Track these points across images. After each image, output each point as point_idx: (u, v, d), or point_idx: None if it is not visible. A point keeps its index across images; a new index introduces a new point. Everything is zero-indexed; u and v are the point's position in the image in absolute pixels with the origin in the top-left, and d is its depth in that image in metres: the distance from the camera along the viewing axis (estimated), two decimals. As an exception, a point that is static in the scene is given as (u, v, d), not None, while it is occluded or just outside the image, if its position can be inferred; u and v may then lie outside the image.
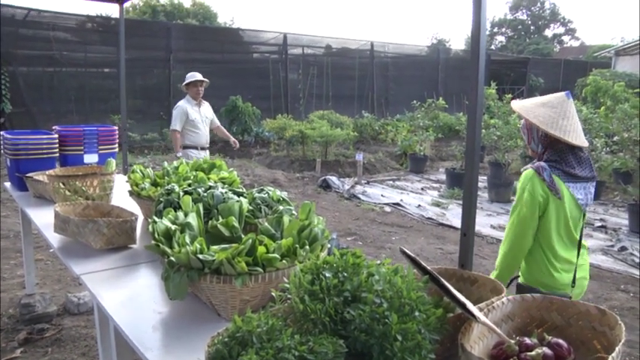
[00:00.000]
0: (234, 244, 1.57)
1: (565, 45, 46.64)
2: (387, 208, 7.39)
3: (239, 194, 2.30)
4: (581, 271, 2.22)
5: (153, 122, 12.50)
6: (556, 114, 2.14)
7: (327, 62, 15.44)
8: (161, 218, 1.78)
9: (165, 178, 2.63)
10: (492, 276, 2.24)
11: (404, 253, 1.33)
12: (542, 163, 2.14)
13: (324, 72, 15.27)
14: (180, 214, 1.82)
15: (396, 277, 1.15)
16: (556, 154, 2.14)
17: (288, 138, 11.00)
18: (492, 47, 45.57)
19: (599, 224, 6.70)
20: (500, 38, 47.36)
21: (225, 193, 2.19)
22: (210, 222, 1.83)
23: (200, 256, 1.50)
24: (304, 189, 8.53)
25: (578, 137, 2.09)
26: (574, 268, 2.17)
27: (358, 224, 6.46)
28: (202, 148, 5.29)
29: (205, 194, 2.15)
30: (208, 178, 2.53)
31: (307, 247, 1.62)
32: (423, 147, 10.93)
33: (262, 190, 2.39)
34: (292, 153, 11.28)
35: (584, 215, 2.24)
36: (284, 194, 2.42)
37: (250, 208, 2.16)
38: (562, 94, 2.19)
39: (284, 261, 1.55)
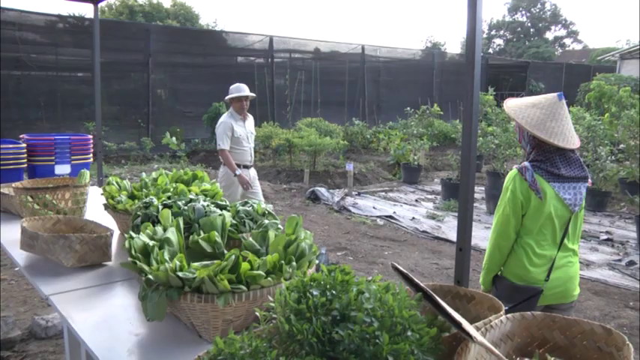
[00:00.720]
0: (216, 261, 1.57)
1: (567, 48, 47.38)
2: (380, 221, 7.41)
3: (222, 207, 2.30)
4: (561, 272, 2.33)
5: (130, 130, 12.46)
6: (544, 115, 2.25)
7: (316, 67, 15.55)
8: (138, 233, 1.78)
9: (143, 190, 2.63)
10: (480, 277, 2.49)
11: (396, 269, 1.35)
12: (526, 163, 2.31)
13: (313, 77, 15.38)
14: (159, 228, 1.83)
15: (388, 294, 1.16)
16: (543, 154, 2.29)
17: (275, 147, 11.01)
18: (490, 51, 46.17)
19: (605, 237, 6.73)
20: (499, 41, 48.01)
21: (207, 206, 2.19)
22: (190, 237, 1.83)
23: (180, 274, 1.50)
24: (292, 201, 8.52)
25: (565, 139, 2.22)
26: (550, 267, 2.30)
27: (349, 238, 6.47)
28: (246, 166, 5.17)
29: (186, 207, 2.15)
30: (189, 191, 2.53)
31: (294, 263, 1.63)
32: (417, 156, 11.01)
33: (246, 202, 2.39)
34: (279, 163, 11.29)
35: (576, 215, 2.36)
36: (269, 207, 2.43)
37: (234, 222, 2.17)
38: (554, 95, 2.32)
39: (269, 278, 1.55)
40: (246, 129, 5.20)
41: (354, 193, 9.29)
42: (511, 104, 2.38)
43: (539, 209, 2.27)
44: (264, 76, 14.66)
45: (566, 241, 2.34)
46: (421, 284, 1.26)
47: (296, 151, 10.99)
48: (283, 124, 13.53)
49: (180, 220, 1.90)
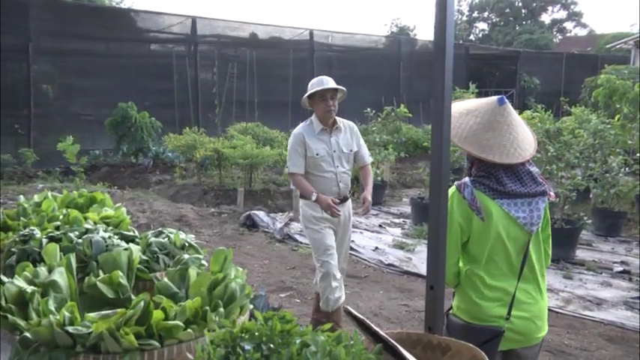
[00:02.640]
0: (119, 310, 1.55)
1: (568, 34, 49.23)
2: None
3: (129, 239, 2.30)
4: (526, 311, 2.39)
5: (3, 139, 12.00)
6: (479, 125, 2.36)
7: (252, 57, 15.61)
8: (12, 277, 1.73)
9: (22, 219, 2.57)
10: None
11: (349, 314, 1.36)
12: (466, 179, 2.42)
13: (248, 70, 15.41)
14: (43, 269, 1.78)
15: (339, 347, 1.18)
16: (484, 169, 2.39)
17: (200, 160, 10.90)
18: (471, 37, 47.61)
19: (620, 269, 6.83)
20: (482, 25, 49.62)
21: (109, 238, 2.19)
22: (86, 279, 1.81)
23: (70, 329, 1.47)
24: (221, 229, 8.45)
25: (504, 153, 2.32)
26: (510, 302, 2.35)
27: (295, 275, 6.47)
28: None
29: (80, 241, 2.13)
30: (85, 218, 2.51)
31: (221, 309, 1.63)
32: (381, 170, 11.18)
33: (161, 232, 2.38)
34: (205, 180, 11.17)
35: (537, 238, 2.44)
36: (191, 237, 2.42)
37: (144, 257, 2.17)
38: (493, 99, 2.44)
39: (189, 330, 1.55)
40: (332, 145, 4.50)
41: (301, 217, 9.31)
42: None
43: (484, 232, 2.35)
44: (186, 69, 14.57)
45: (526, 270, 2.39)
46: (381, 332, 1.29)
47: (227, 165, 10.91)
48: (210, 130, 13.43)
49: (72, 258, 1.87)
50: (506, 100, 2.43)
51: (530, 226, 2.37)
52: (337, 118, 4.57)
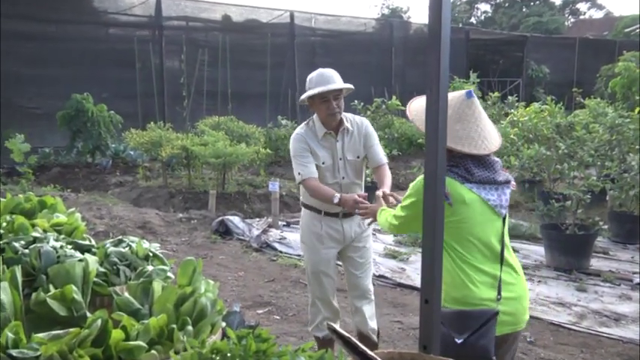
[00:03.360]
0: (73, 329, 1.54)
1: (582, 17, 49.50)
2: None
3: (84, 249, 2.30)
4: (512, 292, 2.73)
5: None
6: (448, 117, 2.51)
7: (225, 43, 15.55)
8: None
9: (-42, 226, 2.54)
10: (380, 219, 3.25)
11: (334, 331, 1.37)
12: None
13: (220, 58, 15.35)
14: (-18, 284, 1.77)
15: (323, 369, 1.18)
16: (452, 159, 2.71)
17: (166, 159, 10.86)
18: (472, 20, 47.84)
19: None
20: (484, 7, 49.86)
21: (61, 248, 2.18)
22: (34, 295, 1.80)
23: (14, 352, 1.47)
24: (191, 237, 8.43)
25: (472, 144, 2.69)
26: (497, 284, 2.69)
27: (274, 289, 6.47)
28: (331, 214, 4.28)
29: (27, 251, 2.13)
30: (33, 226, 2.49)
31: (189, 327, 1.63)
32: (370, 170, 11.19)
33: (121, 241, 2.38)
34: (172, 182, 11.14)
35: (504, 222, 2.80)
36: (156, 247, 2.41)
37: (102, 270, 2.16)
38: (461, 92, 2.79)
39: (153, 351, 1.55)
40: (338, 151, 4.27)
41: (281, 223, 9.31)
42: (414, 106, 2.87)
43: (454, 216, 2.65)
44: (150, 56, 14.51)
45: (506, 254, 2.75)
46: (369, 352, 1.29)
47: (197, 164, 10.89)
48: (178, 125, 13.40)
49: (18, 271, 1.86)
50: (474, 94, 2.78)
51: (500, 208, 2.74)
52: (344, 117, 4.28)
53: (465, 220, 2.65)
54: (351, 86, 4.26)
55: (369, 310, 4.37)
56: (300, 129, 4.34)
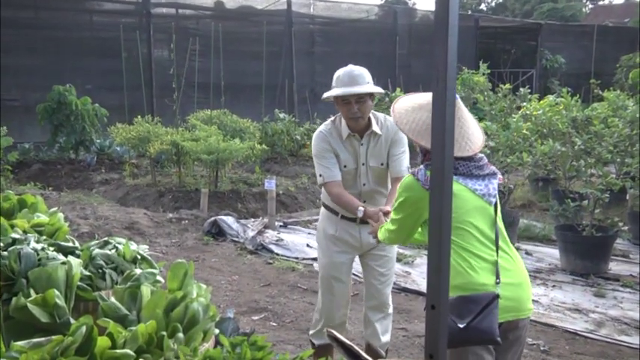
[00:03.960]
0: (55, 337, 1.54)
1: (601, 2, 49.50)
2: (317, 266, 7.46)
3: (67, 251, 2.29)
4: (511, 277, 2.89)
5: None
6: (430, 119, 2.57)
7: (218, 31, 15.55)
8: None
9: None
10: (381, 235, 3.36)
11: (335, 339, 1.37)
12: (421, 166, 2.98)
13: (213, 47, 15.35)
14: (-41, 288, 1.77)
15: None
16: None
17: (155, 155, 10.86)
18: (482, 7, 47.85)
19: None
20: (496, -8, 49.70)
21: (42, 250, 2.17)
22: (13, 300, 1.80)
23: (-6, 360, 1.46)
24: (181, 238, 8.44)
25: (456, 146, 2.71)
26: (495, 269, 2.86)
27: (270, 293, 6.47)
28: (349, 218, 4.21)
29: (5, 253, 2.11)
30: (12, 227, 2.48)
31: (180, 334, 1.62)
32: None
33: (107, 243, 2.38)
34: (161, 180, 11.15)
35: (495, 210, 2.97)
36: (144, 249, 2.41)
37: (86, 273, 2.16)
38: None
39: (141, 361, 1.55)
40: (361, 156, 4.20)
41: (277, 224, 9.32)
42: (398, 106, 3.07)
43: (457, 207, 2.76)
44: (137, 46, 14.50)
45: (500, 239, 2.92)
46: (374, 361, 1.30)
47: (188, 161, 10.90)
48: (168, 119, 13.38)
49: (-4, 274, 1.86)
50: (457, 96, 2.78)
51: (488, 197, 2.94)
52: (375, 118, 4.22)
53: (456, 209, 2.71)
54: (379, 90, 4.21)
55: (383, 324, 4.34)
56: (324, 126, 4.30)
